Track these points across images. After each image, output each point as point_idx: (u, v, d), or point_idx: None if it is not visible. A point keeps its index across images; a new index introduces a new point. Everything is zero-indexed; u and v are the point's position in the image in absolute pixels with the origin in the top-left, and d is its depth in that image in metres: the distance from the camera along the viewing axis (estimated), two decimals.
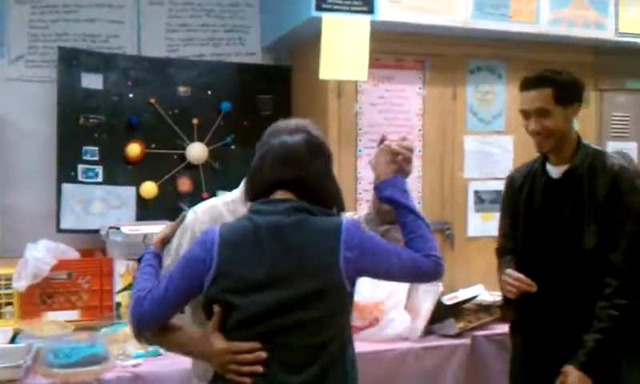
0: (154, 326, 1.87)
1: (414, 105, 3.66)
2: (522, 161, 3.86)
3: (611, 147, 4.15)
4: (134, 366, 2.78)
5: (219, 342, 1.78)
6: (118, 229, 3.25)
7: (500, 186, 3.81)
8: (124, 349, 2.89)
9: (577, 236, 2.43)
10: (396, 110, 3.61)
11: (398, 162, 1.94)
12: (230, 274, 1.75)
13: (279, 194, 1.83)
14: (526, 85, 2.51)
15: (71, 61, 3.59)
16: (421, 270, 1.82)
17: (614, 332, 2.32)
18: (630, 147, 4.20)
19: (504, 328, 3.03)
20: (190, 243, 1.93)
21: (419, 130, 3.66)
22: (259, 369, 1.74)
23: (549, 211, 2.53)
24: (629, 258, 2.37)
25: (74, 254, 3.32)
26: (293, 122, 1.93)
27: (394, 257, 1.81)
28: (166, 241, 2.05)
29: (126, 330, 3.03)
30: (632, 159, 3.87)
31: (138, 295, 1.86)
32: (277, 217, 1.78)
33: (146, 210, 3.65)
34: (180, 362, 2.78)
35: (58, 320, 3.12)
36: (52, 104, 3.55)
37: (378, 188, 1.95)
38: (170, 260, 2.00)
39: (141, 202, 3.66)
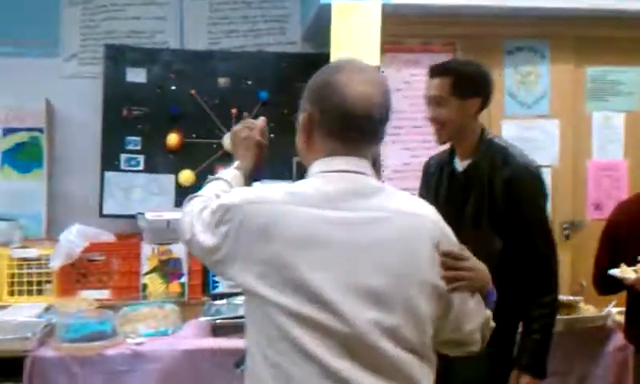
0: None
1: None
2: (568, 147, 3.65)
3: None
4: (138, 344, 2.93)
5: None
6: (143, 214, 3.45)
7: (544, 174, 3.62)
8: (136, 328, 3.08)
9: (478, 236, 2.28)
10: (422, 95, 3.49)
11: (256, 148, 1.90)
12: None
13: None
14: (431, 72, 2.46)
15: (117, 57, 3.84)
16: None
17: (548, 328, 2.33)
18: None
19: None
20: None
21: None
22: None
23: (452, 206, 2.41)
24: (543, 256, 2.35)
25: (108, 237, 3.56)
26: None
27: None
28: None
29: (144, 310, 3.25)
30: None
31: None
32: None
33: (184, 198, 3.79)
34: (181, 343, 2.96)
35: (88, 298, 3.35)
36: (100, 98, 3.82)
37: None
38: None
39: (179, 189, 3.83)
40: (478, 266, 1.58)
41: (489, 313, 1.62)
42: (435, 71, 2.45)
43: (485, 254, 1.99)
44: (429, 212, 1.57)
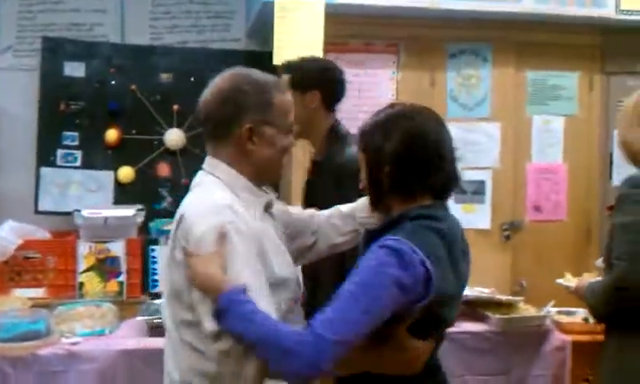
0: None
1: (387, 90, 3.54)
2: (509, 149, 3.70)
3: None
4: (73, 344, 2.85)
5: (417, 342, 1.60)
6: (80, 211, 3.36)
7: (484, 175, 3.68)
8: (72, 327, 2.99)
9: None
10: (366, 95, 3.51)
11: None
12: (442, 286, 1.55)
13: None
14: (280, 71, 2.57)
15: (55, 50, 3.75)
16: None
17: None
18: None
19: None
20: (246, 240, 1.60)
21: None
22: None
23: (305, 203, 2.48)
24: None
25: (44, 235, 3.46)
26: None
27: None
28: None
29: (80, 309, 3.17)
30: None
31: (303, 340, 1.44)
32: (451, 222, 1.68)
33: (123, 195, 3.76)
34: (117, 343, 2.89)
35: (22, 297, 3.25)
36: (37, 92, 3.72)
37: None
38: (250, 272, 1.57)
39: (118, 186, 3.76)
40: (200, 271, 1.55)
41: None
42: (281, 70, 2.57)
43: None
44: (186, 210, 1.64)
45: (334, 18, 3.26)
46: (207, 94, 1.77)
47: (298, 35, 3.23)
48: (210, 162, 1.74)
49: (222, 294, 1.50)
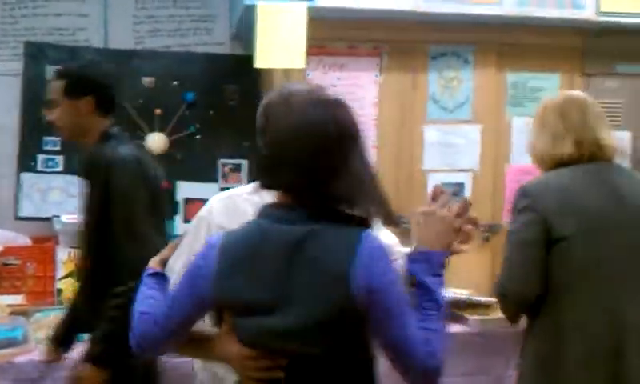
0: (160, 349, 1.73)
1: (370, 93, 3.55)
2: (489, 151, 3.71)
3: None
4: None
5: (237, 346, 1.58)
6: (59, 217, 3.36)
7: (464, 178, 3.69)
8: (49, 334, 2.97)
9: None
10: (349, 98, 3.47)
11: (455, 237, 1.60)
12: (229, 288, 1.53)
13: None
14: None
15: (37, 55, 3.73)
16: (420, 365, 1.47)
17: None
18: (621, 137, 3.89)
19: None
20: (205, 236, 1.81)
21: (374, 119, 3.55)
22: (280, 374, 1.53)
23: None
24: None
25: (24, 241, 3.46)
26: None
27: (410, 330, 1.48)
28: (164, 261, 1.78)
29: (58, 315, 3.15)
30: None
31: (139, 317, 1.64)
32: (289, 226, 1.52)
33: None
34: None
35: (0, 304, 3.25)
36: (19, 97, 3.70)
37: (414, 258, 1.58)
38: (183, 259, 1.78)
39: None
40: None
41: None
42: (53, 75, 2.62)
43: None
44: None
45: (317, 21, 3.26)
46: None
47: (280, 39, 3.23)
48: None
49: None
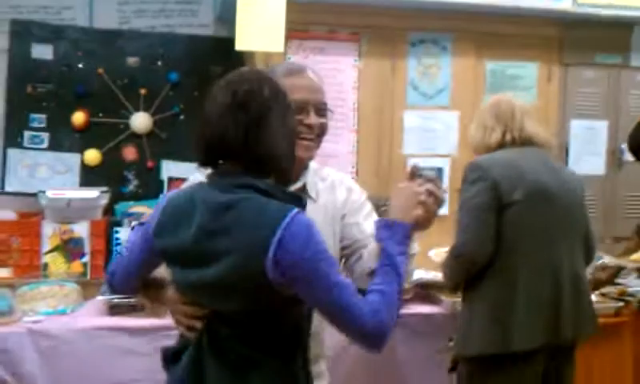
0: (124, 287, 1.94)
1: (349, 78, 3.62)
2: (467, 137, 3.77)
3: (576, 126, 3.97)
4: (34, 322, 2.93)
5: (172, 291, 1.80)
6: (44, 192, 3.42)
7: (442, 163, 3.77)
8: (35, 306, 3.06)
9: None
10: (328, 82, 3.55)
11: (423, 210, 1.71)
12: (163, 241, 1.70)
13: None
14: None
15: (23, 32, 3.79)
16: (359, 330, 1.55)
17: None
18: (598, 126, 3.98)
19: None
20: None
21: (354, 104, 3.63)
22: (197, 325, 1.68)
23: None
24: None
25: (10, 215, 3.52)
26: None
27: (336, 295, 1.54)
28: None
29: (43, 288, 3.24)
30: None
31: (116, 258, 1.98)
32: (218, 192, 1.61)
33: (90, 177, 3.81)
34: (76, 321, 2.96)
35: None
36: (4, 74, 3.76)
37: (379, 225, 1.72)
38: None
39: (85, 168, 3.82)
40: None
41: None
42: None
43: None
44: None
45: (297, 5, 3.32)
46: None
47: (260, 22, 3.28)
48: None
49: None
